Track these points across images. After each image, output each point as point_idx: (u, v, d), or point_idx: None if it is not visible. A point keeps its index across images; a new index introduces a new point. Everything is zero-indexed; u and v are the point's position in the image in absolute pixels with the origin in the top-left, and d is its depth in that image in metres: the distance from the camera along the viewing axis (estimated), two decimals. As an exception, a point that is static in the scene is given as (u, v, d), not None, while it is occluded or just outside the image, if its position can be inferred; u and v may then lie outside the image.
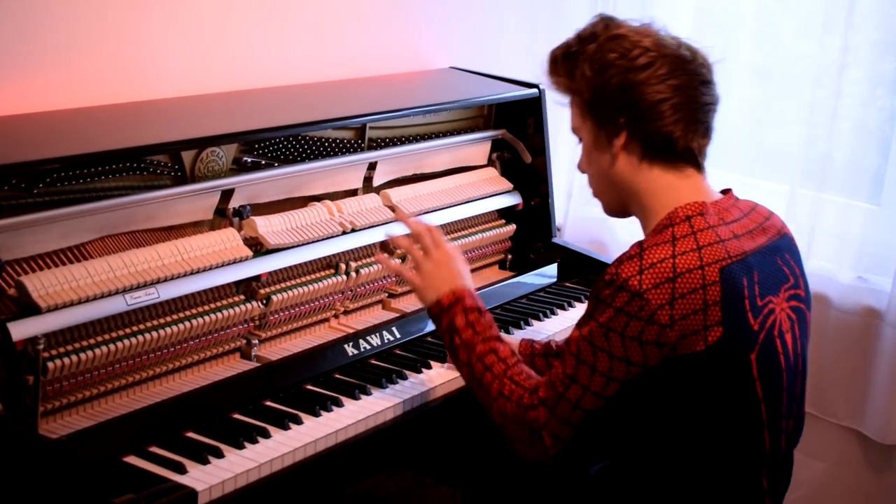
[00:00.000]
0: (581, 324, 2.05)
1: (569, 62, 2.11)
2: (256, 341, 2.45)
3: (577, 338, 2.03)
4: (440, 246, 2.32)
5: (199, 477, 1.99)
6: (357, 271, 2.62)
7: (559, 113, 3.54)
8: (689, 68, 2.05)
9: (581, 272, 3.11)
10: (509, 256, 3.16)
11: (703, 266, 1.95)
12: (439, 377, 2.47)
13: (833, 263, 3.43)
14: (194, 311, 2.31)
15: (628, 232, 3.73)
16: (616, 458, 2.18)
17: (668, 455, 2.05)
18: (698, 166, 2.11)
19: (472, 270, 3.04)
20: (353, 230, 2.61)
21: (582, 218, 3.80)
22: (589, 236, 3.74)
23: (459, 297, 2.23)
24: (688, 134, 2.05)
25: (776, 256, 2.10)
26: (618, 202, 2.16)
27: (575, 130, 2.18)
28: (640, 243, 2.00)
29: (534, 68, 3.57)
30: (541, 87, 3.07)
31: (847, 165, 3.46)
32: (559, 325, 2.79)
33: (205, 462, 2.03)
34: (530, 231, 3.15)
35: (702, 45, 2.11)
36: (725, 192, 2.17)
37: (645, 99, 2.02)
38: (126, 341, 2.17)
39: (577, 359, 2.01)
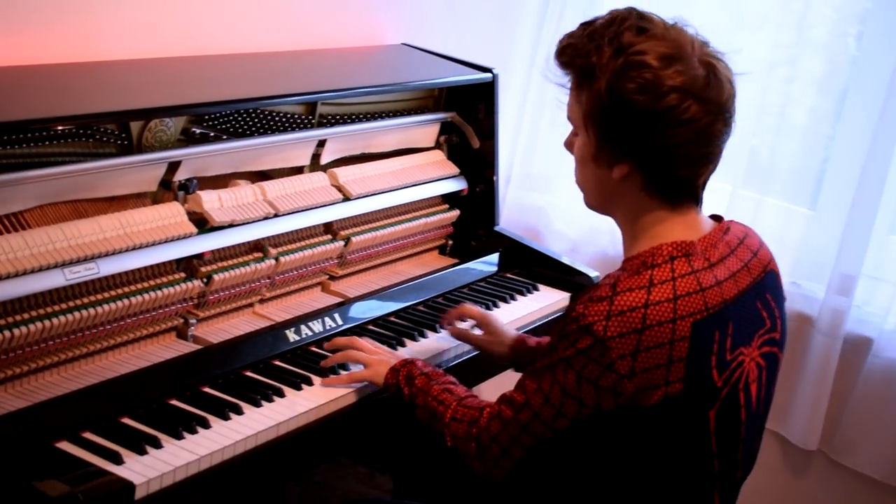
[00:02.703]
0: (547, 351, 1.95)
1: (584, 73, 1.91)
2: (194, 321, 2.36)
3: (542, 364, 1.94)
4: (378, 346, 2.37)
5: (136, 468, 1.90)
6: (301, 252, 2.55)
7: (505, 98, 3.52)
8: (717, 107, 1.88)
9: (522, 262, 3.06)
10: (450, 242, 3.09)
11: (676, 319, 1.84)
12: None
13: (769, 268, 3.43)
14: (134, 287, 2.21)
15: (564, 223, 3.71)
16: (557, 494, 2.11)
17: (610, 498, 1.99)
18: (697, 199, 1.98)
19: (413, 255, 2.99)
20: (309, 208, 2.55)
21: (519, 205, 3.76)
22: (524, 224, 3.70)
23: (409, 361, 2.24)
24: (696, 172, 1.93)
25: (756, 300, 1.99)
26: (602, 205, 2.03)
27: (570, 120, 2.00)
28: (613, 284, 1.87)
29: (486, 49, 3.53)
30: (494, 71, 3.00)
31: (789, 169, 3.46)
32: (503, 318, 2.71)
33: (142, 452, 1.94)
34: (473, 217, 3.09)
35: (728, 59, 1.94)
36: (716, 217, 2.07)
37: (661, 142, 1.87)
38: (62, 317, 2.06)
39: (538, 385, 1.94)
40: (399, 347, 2.52)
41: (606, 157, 1.93)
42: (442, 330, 2.63)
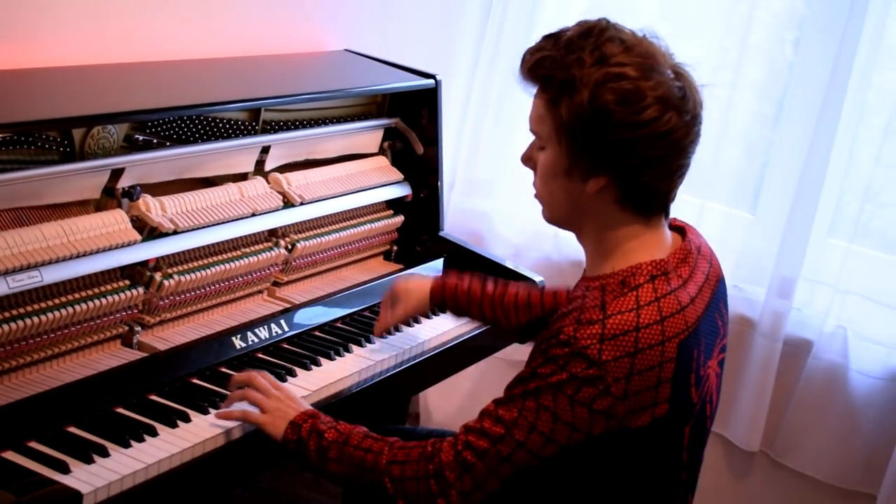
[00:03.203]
0: (526, 377, 1.88)
1: (565, 85, 1.85)
2: (139, 328, 2.34)
3: (521, 390, 1.88)
4: (279, 386, 2.15)
5: (83, 478, 1.88)
6: (246, 258, 2.54)
7: (448, 102, 3.53)
8: (693, 118, 1.88)
9: (467, 267, 3.04)
10: (395, 248, 3.09)
11: (664, 342, 1.83)
12: (330, 375, 2.40)
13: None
14: (78, 295, 2.19)
15: (507, 227, 3.72)
16: None
17: None
18: (667, 212, 1.97)
19: (357, 261, 2.98)
20: (253, 215, 2.54)
21: (462, 210, 3.76)
22: (468, 229, 3.71)
23: (312, 414, 2.07)
24: (671, 185, 1.91)
25: (715, 312, 2.00)
26: (569, 220, 1.99)
27: (537, 134, 1.95)
28: (601, 306, 1.85)
29: (429, 53, 3.55)
30: (437, 77, 3.01)
31: (731, 174, 3.50)
32: (448, 324, 2.75)
33: (89, 461, 1.92)
34: (418, 223, 3.09)
35: (693, 68, 1.92)
36: (674, 224, 2.05)
37: (642, 154, 1.84)
38: (6, 326, 2.04)
39: (518, 413, 1.87)
40: (346, 353, 2.51)
41: (581, 171, 1.89)
42: (389, 335, 2.63)
